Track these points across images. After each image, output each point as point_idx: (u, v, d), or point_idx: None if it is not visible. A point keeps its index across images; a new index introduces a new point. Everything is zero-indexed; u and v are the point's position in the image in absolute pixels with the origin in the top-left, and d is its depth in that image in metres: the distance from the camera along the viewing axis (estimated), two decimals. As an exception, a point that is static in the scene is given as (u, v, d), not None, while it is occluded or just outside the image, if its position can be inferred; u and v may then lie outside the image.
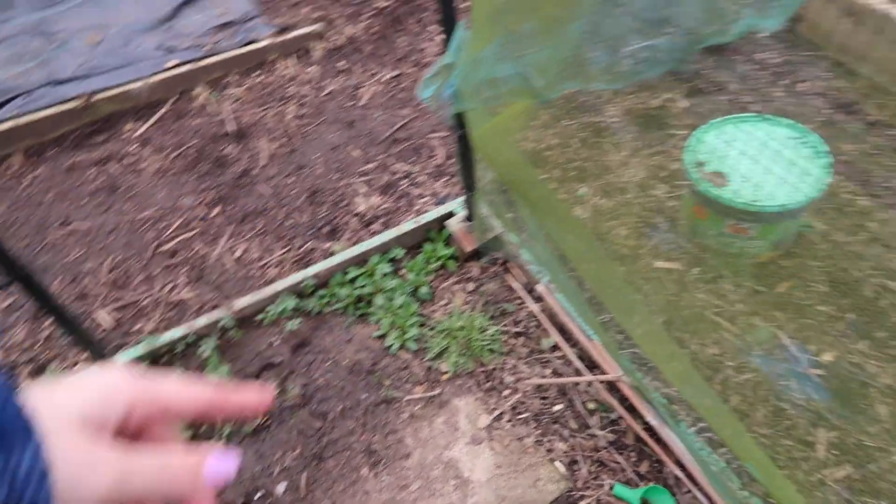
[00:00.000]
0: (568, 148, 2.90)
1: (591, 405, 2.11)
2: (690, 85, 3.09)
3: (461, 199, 2.52)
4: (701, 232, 2.41)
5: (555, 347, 2.26)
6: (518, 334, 2.32)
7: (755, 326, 2.19)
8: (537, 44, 1.15)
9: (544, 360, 2.25)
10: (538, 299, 2.37)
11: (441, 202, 2.72)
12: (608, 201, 2.65)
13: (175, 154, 3.23)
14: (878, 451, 1.90)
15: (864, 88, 2.95)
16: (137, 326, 2.51)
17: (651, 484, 1.92)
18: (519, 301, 2.40)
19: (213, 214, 2.90)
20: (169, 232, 2.85)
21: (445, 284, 2.50)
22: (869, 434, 1.94)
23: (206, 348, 2.31)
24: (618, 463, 1.98)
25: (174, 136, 3.33)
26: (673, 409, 1.99)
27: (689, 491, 1.89)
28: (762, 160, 2.28)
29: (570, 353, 2.21)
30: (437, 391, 2.19)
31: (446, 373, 2.23)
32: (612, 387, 2.11)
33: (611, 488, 1.93)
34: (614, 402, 2.07)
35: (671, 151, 2.77)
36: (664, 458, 1.95)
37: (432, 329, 2.34)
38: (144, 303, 2.58)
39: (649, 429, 2.00)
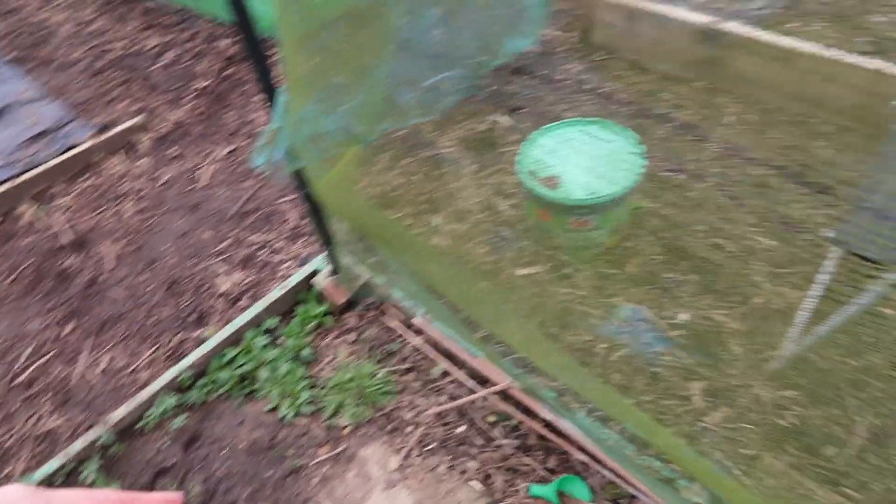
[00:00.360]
0: (414, 184, 3.02)
1: (491, 418, 2.19)
2: (510, 105, 3.33)
3: (323, 255, 2.55)
4: (550, 233, 2.59)
5: (445, 374, 2.32)
6: (407, 370, 2.37)
7: (616, 306, 2.38)
8: (349, 94, 1.23)
9: (438, 388, 2.30)
10: (418, 332, 2.43)
11: (304, 263, 2.73)
12: (462, 225, 2.78)
13: (10, 279, 3.01)
14: (743, 387, 2.12)
15: (657, 80, 3.32)
16: (6, 471, 2.29)
17: (563, 475, 2.01)
18: (401, 339, 2.45)
19: (66, 332, 2.73)
20: (21, 362, 2.64)
21: (326, 341, 2.50)
22: (732, 375, 2.16)
23: (89, 472, 2.16)
24: (528, 465, 2.06)
25: (5, 261, 3.10)
26: (564, 401, 2.11)
27: (598, 472, 2.01)
28: (585, 158, 2.50)
29: (460, 374, 2.29)
30: (342, 447, 2.18)
31: (347, 426, 2.23)
32: (505, 395, 2.20)
33: (527, 490, 2.01)
34: (511, 410, 2.16)
35: (506, 167, 2.96)
36: (567, 447, 2.06)
37: (323, 388, 2.34)
38: (8, 444, 2.37)
39: (548, 425, 2.11)
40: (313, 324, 2.53)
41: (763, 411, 2.06)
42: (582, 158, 2.50)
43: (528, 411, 2.14)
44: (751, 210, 2.64)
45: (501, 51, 1.05)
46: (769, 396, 2.09)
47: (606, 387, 1.98)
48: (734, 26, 3.12)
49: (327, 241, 2.42)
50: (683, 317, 2.34)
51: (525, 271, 2.54)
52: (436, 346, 2.38)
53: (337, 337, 2.52)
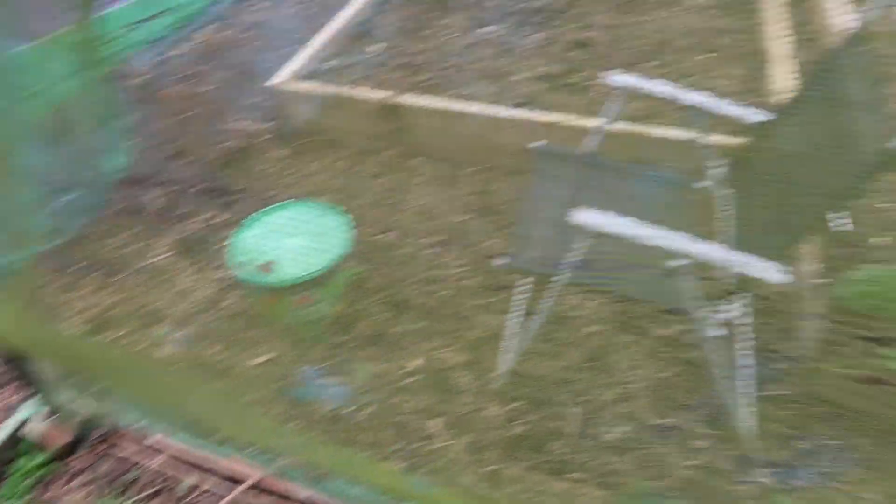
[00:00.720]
0: (131, 299, 2.87)
1: (252, 516, 2.13)
2: (220, 200, 3.34)
3: (33, 398, 2.31)
4: (281, 315, 2.64)
5: (194, 486, 2.21)
6: (153, 495, 2.21)
7: (353, 370, 2.48)
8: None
9: (191, 502, 2.19)
10: (158, 451, 2.30)
11: (11, 414, 2.43)
12: (191, 328, 2.71)
13: None
14: (476, 411, 2.34)
15: (355, 154, 3.58)
16: None
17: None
18: (140, 464, 2.29)
19: None
20: None
21: (52, 492, 2.24)
22: (465, 403, 2.37)
23: None
24: (297, 551, 2.04)
25: None
26: (317, 475, 2.13)
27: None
28: (297, 237, 2.60)
29: (211, 482, 2.20)
30: None
31: (92, 579, 2.01)
32: (260, 488, 2.16)
33: (301, 577, 1.98)
34: (269, 500, 2.13)
35: (225, 262, 2.96)
36: (332, 520, 2.08)
37: (57, 545, 2.09)
38: None
39: (308, 502, 2.11)
40: (34, 478, 2.25)
41: (496, 427, 2.29)
42: (293, 238, 2.60)
43: (285, 496, 2.12)
44: (456, 253, 2.96)
45: (105, 170, 1.11)
46: (499, 413, 2.33)
47: (349, 451, 2.06)
48: (409, 97, 3.51)
49: (36, 384, 2.21)
50: (418, 362, 2.52)
51: (259, 360, 2.54)
52: (180, 459, 2.27)
53: (66, 483, 2.27)
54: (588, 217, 1.77)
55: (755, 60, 3.88)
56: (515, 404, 2.35)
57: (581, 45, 4.13)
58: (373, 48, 4.23)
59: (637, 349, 2.54)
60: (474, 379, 2.44)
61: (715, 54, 4.00)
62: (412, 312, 2.70)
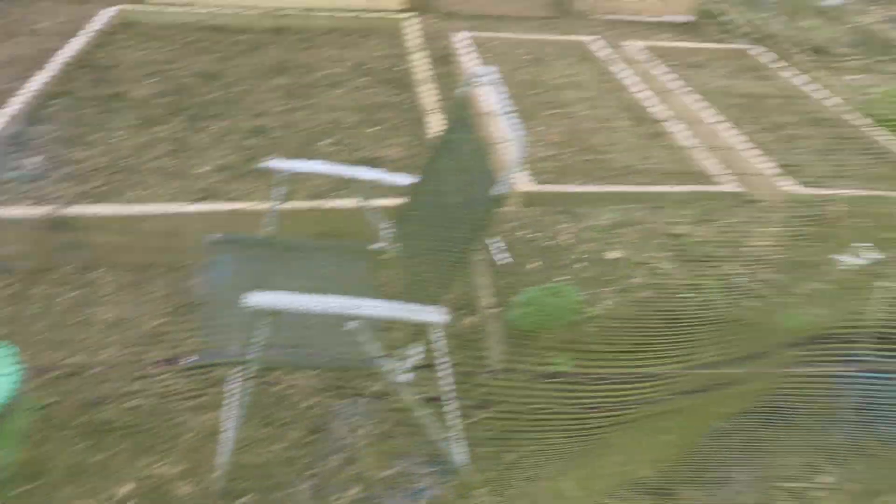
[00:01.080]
0: None
1: None
2: None
3: None
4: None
5: None
6: None
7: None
8: None
9: None
10: None
11: None
12: None
13: None
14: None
15: (22, 279, 3.23)
16: None
17: None
18: None
19: None
20: None
21: None
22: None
23: None
24: None
25: None
26: None
27: None
28: (-48, 387, 2.26)
29: None
30: None
31: None
32: None
33: None
34: None
35: None
36: None
37: None
38: None
39: None
40: None
41: (225, 530, 2.21)
42: (-52, 389, 2.26)
43: None
44: (156, 360, 2.81)
45: None
46: (226, 513, 2.25)
47: None
48: (79, 207, 3.30)
49: None
50: (127, 488, 2.33)
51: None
52: None
53: None
54: (259, 299, 1.84)
55: (416, 128, 4.39)
56: (243, 499, 2.30)
57: (258, 132, 4.27)
58: (30, 161, 3.88)
59: (355, 410, 2.66)
60: (195, 486, 2.32)
61: (381, 127, 4.44)
62: (116, 434, 2.49)
